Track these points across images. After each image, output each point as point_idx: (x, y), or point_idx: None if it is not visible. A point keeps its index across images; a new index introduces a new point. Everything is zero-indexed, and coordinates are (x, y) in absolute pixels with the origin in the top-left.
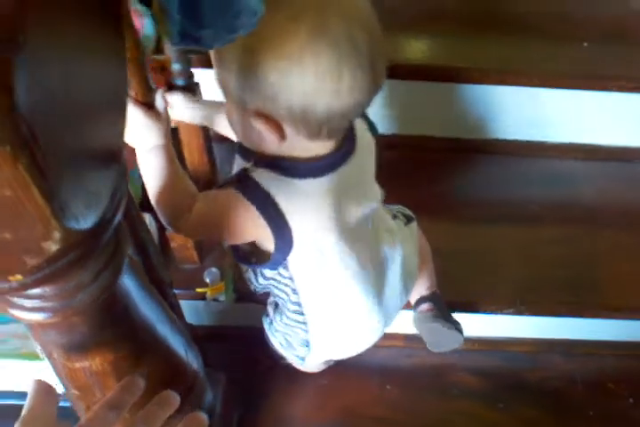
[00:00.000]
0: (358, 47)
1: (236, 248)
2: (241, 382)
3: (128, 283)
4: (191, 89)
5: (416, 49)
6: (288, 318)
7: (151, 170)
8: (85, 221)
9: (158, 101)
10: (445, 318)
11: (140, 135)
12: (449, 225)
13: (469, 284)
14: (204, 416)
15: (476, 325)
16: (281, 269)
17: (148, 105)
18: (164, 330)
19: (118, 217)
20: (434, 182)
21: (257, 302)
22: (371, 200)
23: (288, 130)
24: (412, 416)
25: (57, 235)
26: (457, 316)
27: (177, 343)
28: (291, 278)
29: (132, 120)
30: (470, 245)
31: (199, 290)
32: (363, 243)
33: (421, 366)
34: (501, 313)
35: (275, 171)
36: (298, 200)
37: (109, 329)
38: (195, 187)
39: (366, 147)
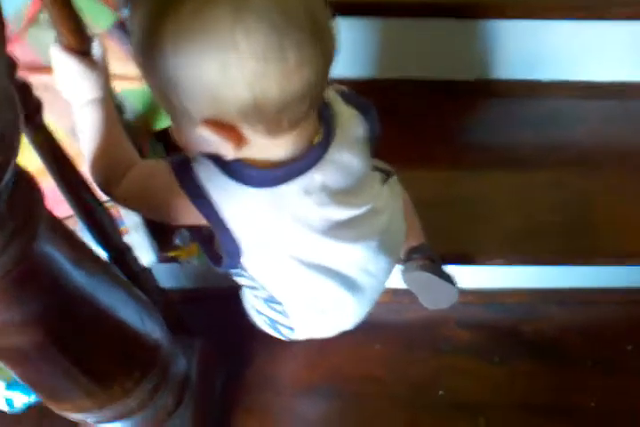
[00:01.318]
0: (293, 13)
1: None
2: (223, 346)
3: (53, 252)
4: None
5: None
6: (265, 304)
7: (87, 127)
8: None
9: (95, 48)
10: (436, 268)
11: (75, 87)
12: (437, 173)
13: (460, 234)
14: None
15: (468, 276)
16: (241, 271)
17: (82, 52)
18: (110, 300)
19: (8, 171)
20: (419, 128)
21: None
22: (363, 201)
23: (244, 131)
24: (402, 374)
25: None
26: (448, 268)
27: (130, 313)
28: (252, 278)
29: (65, 70)
30: (460, 192)
31: (171, 254)
32: (343, 242)
33: (411, 321)
34: (494, 264)
35: (222, 169)
36: (245, 211)
37: (33, 303)
38: (135, 151)
39: (351, 141)
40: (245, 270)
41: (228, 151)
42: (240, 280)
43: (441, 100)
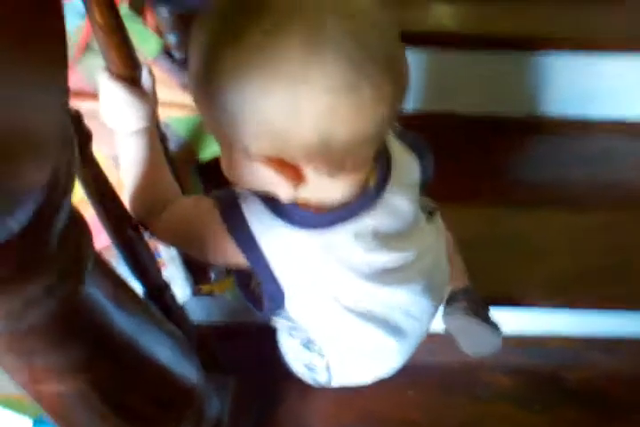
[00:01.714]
0: (369, 48)
1: (243, 283)
2: (255, 386)
3: (97, 295)
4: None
5: (447, 15)
6: (304, 349)
7: (130, 157)
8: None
9: (144, 77)
10: (481, 312)
11: (121, 116)
12: (482, 210)
13: (504, 275)
14: None
15: (509, 320)
16: (282, 314)
17: (131, 80)
18: (149, 343)
19: (62, 215)
20: (469, 164)
21: None
22: (412, 245)
23: (307, 171)
24: (438, 420)
25: None
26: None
27: (168, 355)
28: (293, 320)
29: (112, 98)
30: (506, 231)
31: (204, 287)
32: (388, 287)
33: (448, 365)
34: (541, 307)
35: (270, 208)
36: (291, 254)
37: (77, 348)
38: (176, 184)
39: (405, 185)
40: (287, 314)
41: (284, 191)
42: (279, 323)
43: (488, 136)
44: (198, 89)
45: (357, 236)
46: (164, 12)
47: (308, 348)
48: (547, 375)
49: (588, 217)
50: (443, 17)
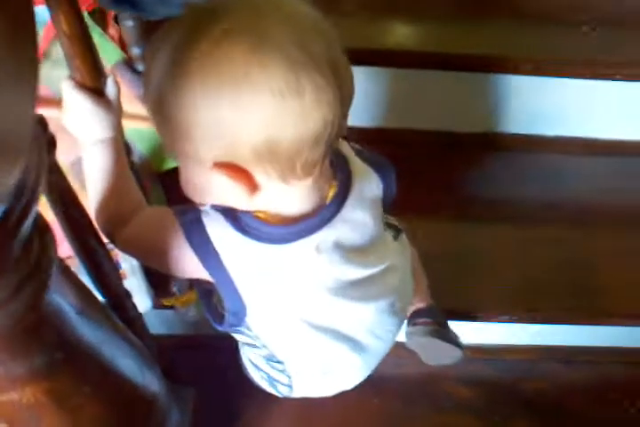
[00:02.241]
0: (312, 51)
1: (205, 296)
2: (214, 397)
3: (60, 301)
4: None
5: (406, 34)
6: (265, 362)
7: (94, 167)
8: None
9: (109, 87)
10: (443, 332)
11: (86, 126)
12: (440, 225)
13: (462, 288)
14: None
15: (470, 332)
16: (243, 329)
17: (96, 91)
18: (114, 353)
19: (29, 218)
20: (423, 181)
21: None
22: (377, 260)
23: (258, 177)
24: None
25: None
26: (449, 323)
27: (130, 365)
28: (254, 337)
29: (77, 108)
30: (463, 245)
31: (166, 302)
32: (353, 302)
33: (411, 376)
34: (498, 321)
35: (232, 224)
36: (254, 268)
37: (39, 357)
38: (141, 194)
39: (367, 201)
40: (248, 329)
41: (240, 199)
42: (239, 337)
43: (446, 152)
44: (150, 98)
45: (319, 249)
46: (128, 23)
47: (269, 364)
48: (505, 386)
49: (540, 232)
50: (402, 36)
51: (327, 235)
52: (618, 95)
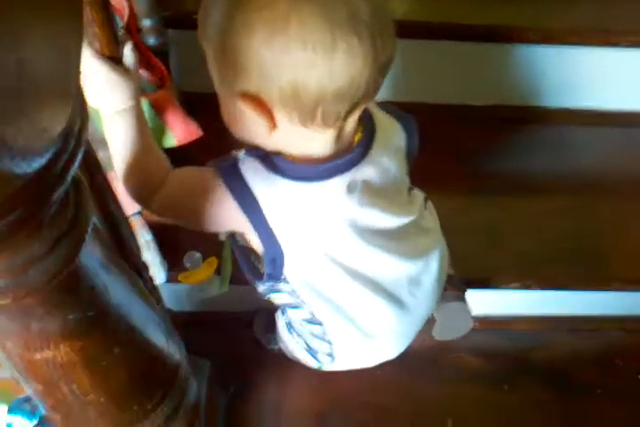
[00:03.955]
0: (356, 14)
1: (244, 255)
2: (225, 370)
3: (93, 258)
4: (162, 49)
5: (414, 5)
6: (308, 331)
7: (118, 135)
8: (26, 162)
9: (127, 55)
10: (466, 300)
11: (106, 95)
12: (451, 197)
13: (475, 260)
14: None
15: (477, 302)
16: (282, 285)
17: (114, 60)
18: (141, 316)
19: (73, 167)
20: (433, 154)
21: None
22: (401, 211)
23: (279, 115)
24: (408, 402)
25: None
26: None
27: (156, 332)
28: (293, 293)
29: (97, 77)
30: (473, 218)
31: (181, 278)
32: (388, 254)
33: (418, 347)
34: (507, 288)
35: (267, 166)
36: (290, 207)
37: (73, 313)
38: (167, 160)
39: (391, 148)
40: (285, 282)
41: (263, 134)
42: (278, 298)
43: (456, 125)
44: (204, 29)
45: (350, 188)
46: None
47: (309, 328)
48: (514, 356)
49: (548, 203)
50: (410, 7)
51: (357, 175)
52: (625, 64)
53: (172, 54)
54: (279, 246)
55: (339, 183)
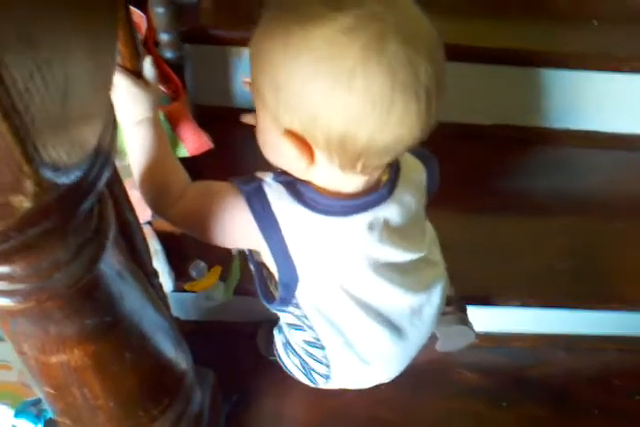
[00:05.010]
0: (417, 76)
1: (259, 271)
2: (227, 380)
3: (112, 265)
4: (178, 63)
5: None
6: (305, 350)
7: (138, 146)
8: (65, 174)
9: (147, 69)
10: (466, 318)
11: (127, 107)
12: (453, 216)
13: (474, 277)
14: None
15: (478, 319)
16: (291, 308)
17: (135, 73)
18: (152, 324)
19: (102, 180)
20: (442, 170)
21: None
22: (415, 247)
23: (320, 156)
24: (408, 417)
25: (29, 186)
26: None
27: (166, 339)
28: (300, 316)
29: (118, 89)
30: (475, 236)
31: (187, 287)
32: (396, 287)
33: (418, 363)
34: (508, 306)
35: (292, 194)
36: (311, 238)
37: (90, 318)
38: (185, 171)
39: (413, 185)
40: (296, 306)
41: (299, 168)
42: (285, 318)
43: (459, 144)
44: (254, 48)
45: (371, 226)
46: (159, 9)
47: (309, 351)
48: (512, 373)
49: (550, 222)
50: None
51: (379, 214)
52: (625, 88)
53: (188, 68)
54: (295, 272)
55: (361, 220)
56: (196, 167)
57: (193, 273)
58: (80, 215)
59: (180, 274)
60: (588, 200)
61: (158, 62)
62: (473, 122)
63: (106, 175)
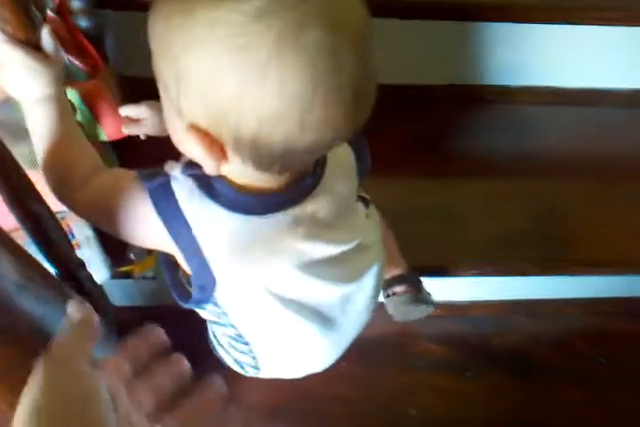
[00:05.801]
0: (341, 69)
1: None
2: None
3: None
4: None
5: None
6: (231, 345)
7: (38, 126)
8: None
9: (45, 39)
10: (419, 297)
11: (22, 83)
12: (410, 181)
13: (434, 244)
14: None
15: (438, 289)
16: (210, 306)
17: (30, 44)
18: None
19: None
20: (391, 136)
21: None
22: (351, 236)
23: (231, 154)
24: (371, 393)
25: None
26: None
27: None
28: (220, 314)
29: (10, 63)
30: (434, 201)
31: (123, 269)
32: (323, 281)
33: (381, 337)
34: (468, 276)
35: (204, 191)
36: (228, 239)
37: None
38: (96, 154)
39: (342, 170)
40: (215, 305)
41: (209, 164)
42: (206, 315)
43: (413, 106)
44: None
45: (296, 222)
46: None
47: (233, 346)
48: (475, 343)
49: (507, 185)
50: None
51: (306, 208)
52: (586, 42)
53: (108, 38)
54: (212, 276)
55: (284, 218)
56: (118, 151)
57: (132, 256)
58: None
59: (119, 259)
60: (547, 160)
61: (73, 33)
62: (426, 82)
63: None
